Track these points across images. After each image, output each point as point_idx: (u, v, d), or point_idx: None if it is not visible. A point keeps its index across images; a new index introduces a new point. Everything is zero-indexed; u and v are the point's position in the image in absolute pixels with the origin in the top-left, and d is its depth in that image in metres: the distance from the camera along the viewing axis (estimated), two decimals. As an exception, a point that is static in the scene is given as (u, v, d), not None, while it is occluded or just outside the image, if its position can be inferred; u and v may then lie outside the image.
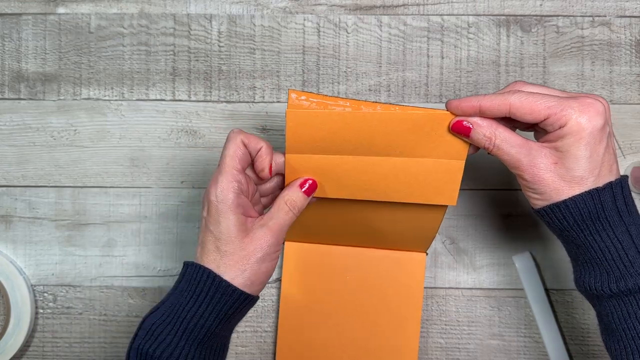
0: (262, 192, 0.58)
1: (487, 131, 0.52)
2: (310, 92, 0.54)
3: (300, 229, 0.65)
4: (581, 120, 0.48)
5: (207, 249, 0.53)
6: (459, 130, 0.53)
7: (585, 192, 0.49)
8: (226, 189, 0.52)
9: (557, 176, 0.50)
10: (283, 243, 0.65)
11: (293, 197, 0.55)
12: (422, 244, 0.66)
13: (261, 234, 0.53)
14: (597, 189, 0.49)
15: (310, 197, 0.56)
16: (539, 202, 0.51)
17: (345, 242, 0.67)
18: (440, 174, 0.55)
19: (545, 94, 0.50)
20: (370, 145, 0.55)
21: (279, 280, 0.69)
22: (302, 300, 0.68)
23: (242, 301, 0.53)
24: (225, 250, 0.52)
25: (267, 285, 0.69)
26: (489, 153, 0.53)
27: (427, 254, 0.68)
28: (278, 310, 0.69)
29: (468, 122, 0.52)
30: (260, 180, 0.57)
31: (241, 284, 0.52)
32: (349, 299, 0.68)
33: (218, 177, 0.53)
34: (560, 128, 0.49)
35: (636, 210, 0.51)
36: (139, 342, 0.51)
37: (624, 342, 0.49)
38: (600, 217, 0.50)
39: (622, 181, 0.50)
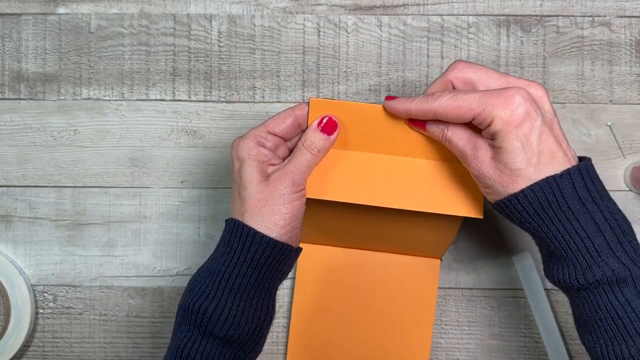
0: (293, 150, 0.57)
1: (440, 123, 0.52)
2: (331, 99, 0.54)
3: (315, 231, 0.65)
4: (504, 115, 0.48)
5: (234, 200, 0.54)
6: (415, 124, 0.54)
7: (542, 180, 0.48)
8: (245, 142, 0.54)
9: (498, 170, 0.49)
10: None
11: (310, 138, 0.54)
12: (437, 250, 0.66)
13: (276, 176, 0.53)
14: (554, 177, 0.48)
15: (333, 136, 0.54)
16: (491, 197, 0.51)
17: (359, 245, 0.67)
18: (460, 180, 0.54)
19: (468, 93, 0.49)
20: (389, 143, 0.55)
21: (292, 278, 0.69)
22: (314, 302, 0.67)
23: (266, 245, 0.52)
24: (244, 195, 0.53)
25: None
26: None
27: (441, 259, 0.67)
28: (289, 312, 0.69)
29: None
30: (290, 137, 0.56)
31: (262, 227, 0.52)
32: (362, 302, 0.67)
33: (242, 136, 0.55)
34: (487, 127, 0.49)
35: (602, 196, 0.49)
36: (183, 299, 0.53)
37: (597, 333, 0.48)
38: (562, 206, 0.48)
39: (581, 168, 0.48)
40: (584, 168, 0.49)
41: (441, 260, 0.67)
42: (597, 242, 0.48)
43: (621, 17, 0.69)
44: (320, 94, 0.69)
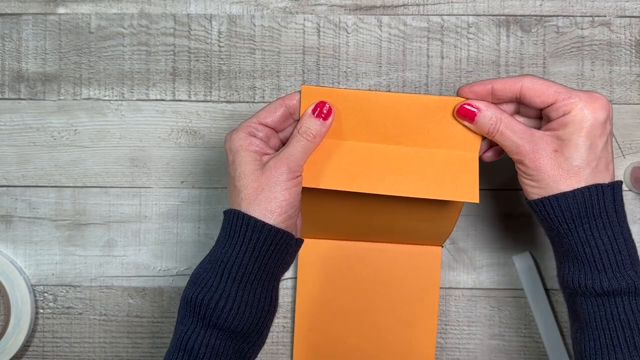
0: (285, 140, 0.58)
1: (492, 115, 0.53)
2: (323, 87, 0.55)
3: (315, 225, 0.65)
4: (585, 110, 0.50)
5: (230, 192, 0.54)
6: (464, 114, 0.54)
7: (591, 185, 0.50)
8: (237, 134, 0.54)
9: (556, 164, 0.51)
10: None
11: (306, 125, 0.54)
12: (438, 238, 0.66)
13: (271, 163, 0.53)
14: (602, 185, 0.50)
15: (329, 120, 0.54)
16: (535, 191, 0.52)
17: (360, 237, 0.67)
18: (455, 167, 0.55)
19: (555, 83, 0.52)
20: (382, 131, 0.55)
21: (293, 278, 0.69)
22: (318, 297, 0.67)
23: (267, 232, 0.52)
24: (240, 185, 0.53)
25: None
26: (491, 140, 0.54)
27: (443, 246, 0.67)
28: (292, 311, 0.69)
29: (473, 106, 0.53)
30: (281, 127, 0.57)
31: (260, 214, 0.52)
32: (365, 294, 0.67)
33: (233, 130, 0.55)
34: (564, 115, 0.51)
35: (625, 216, 0.52)
36: (185, 292, 0.53)
37: (601, 340, 0.50)
38: (602, 215, 0.51)
39: (620, 185, 0.52)
40: (622, 186, 0.52)
41: (443, 246, 0.67)
42: (623, 254, 0.50)
43: (621, 17, 0.69)
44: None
